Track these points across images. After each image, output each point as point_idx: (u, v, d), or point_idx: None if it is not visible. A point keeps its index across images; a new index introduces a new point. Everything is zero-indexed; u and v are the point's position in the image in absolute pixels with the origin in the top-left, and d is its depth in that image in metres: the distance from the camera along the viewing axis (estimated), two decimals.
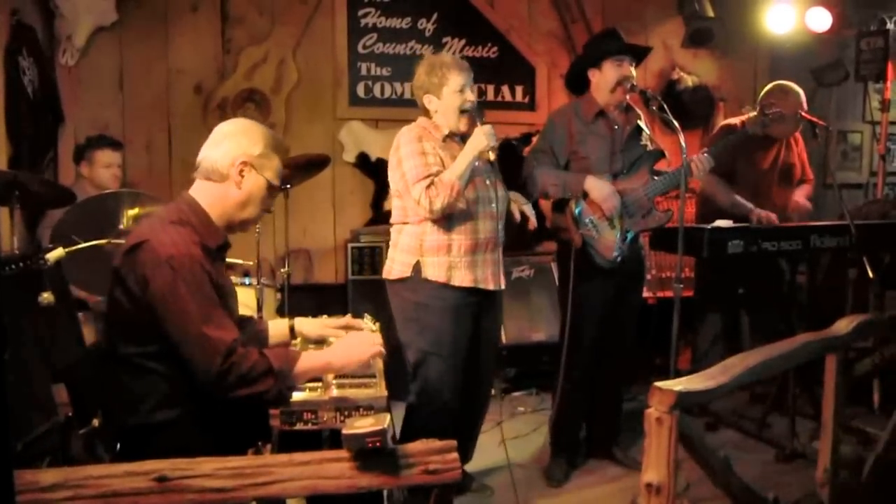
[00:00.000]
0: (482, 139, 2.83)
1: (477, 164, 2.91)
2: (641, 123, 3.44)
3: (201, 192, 2.07)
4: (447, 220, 2.91)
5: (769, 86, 4.03)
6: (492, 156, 2.87)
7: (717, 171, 4.04)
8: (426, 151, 2.89)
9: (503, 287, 3.07)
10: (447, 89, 2.93)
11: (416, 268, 2.92)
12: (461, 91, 2.94)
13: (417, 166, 2.86)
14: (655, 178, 3.31)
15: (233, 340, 1.91)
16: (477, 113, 2.95)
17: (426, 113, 3.03)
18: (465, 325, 2.98)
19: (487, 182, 2.99)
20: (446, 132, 2.98)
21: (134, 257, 1.92)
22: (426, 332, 2.92)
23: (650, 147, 3.42)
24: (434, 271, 2.91)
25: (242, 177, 2.04)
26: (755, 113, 3.85)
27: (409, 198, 2.88)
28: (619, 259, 3.27)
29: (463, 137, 3.01)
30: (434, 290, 2.91)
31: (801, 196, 4.08)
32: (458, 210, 2.89)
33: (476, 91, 4.98)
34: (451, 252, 2.92)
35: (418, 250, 2.93)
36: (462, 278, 2.93)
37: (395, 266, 2.99)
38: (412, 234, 2.95)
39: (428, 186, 2.81)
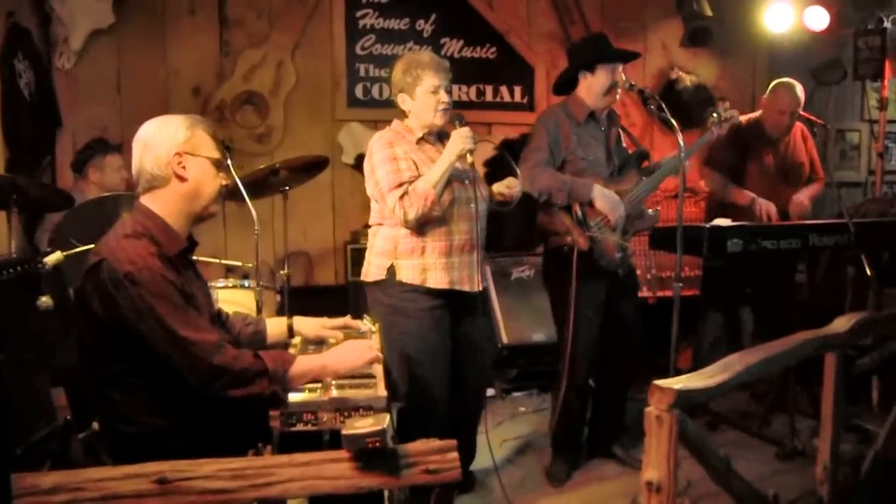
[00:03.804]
0: (459, 143, 2.79)
1: (457, 164, 2.87)
2: (621, 125, 3.51)
3: (153, 201, 2.03)
4: (422, 222, 2.88)
5: (772, 85, 4.05)
6: (469, 158, 2.81)
7: (722, 169, 4.05)
8: (398, 157, 2.86)
9: (480, 289, 3.01)
10: (420, 89, 2.88)
11: (391, 270, 2.90)
12: (435, 92, 2.88)
13: (390, 174, 2.83)
14: (644, 178, 3.33)
15: (217, 339, 1.91)
16: (456, 117, 2.89)
17: (402, 113, 2.99)
18: (443, 326, 2.94)
19: (466, 182, 2.93)
20: (420, 134, 2.95)
21: (93, 278, 1.90)
22: (404, 336, 2.88)
23: (633, 148, 3.45)
24: (409, 274, 2.89)
25: (184, 167, 2.01)
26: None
27: (385, 202, 2.86)
28: (620, 259, 3.30)
29: (440, 136, 2.98)
30: (409, 292, 2.89)
31: (803, 195, 4.08)
32: (433, 217, 2.86)
33: (472, 93, 5.03)
34: (426, 254, 2.89)
35: (392, 253, 2.91)
36: (437, 280, 2.90)
37: (371, 269, 2.97)
38: (387, 238, 2.93)
39: (402, 196, 2.78)
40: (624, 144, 3.51)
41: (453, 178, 2.89)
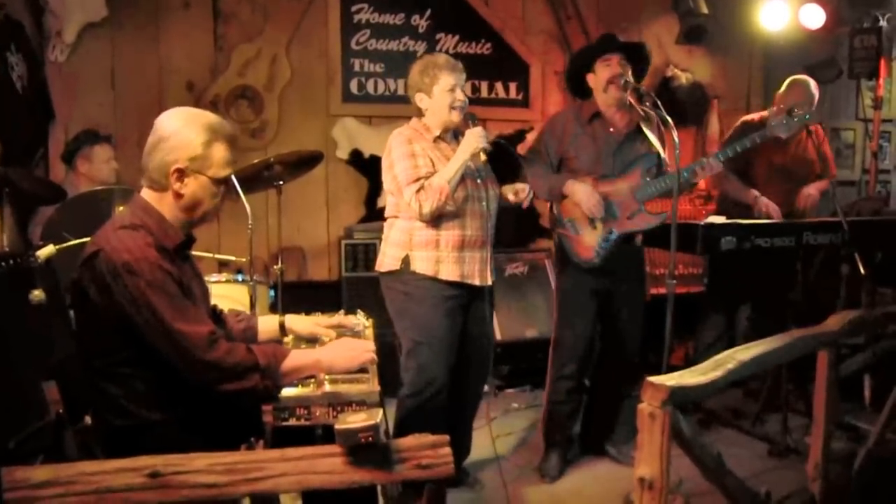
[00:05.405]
0: (472, 142, 2.91)
1: (469, 163, 2.96)
2: (644, 126, 3.35)
3: (151, 197, 2.00)
4: (436, 216, 2.97)
5: (787, 82, 4.03)
6: (482, 157, 2.93)
7: (732, 168, 4.03)
8: (416, 153, 2.97)
9: (490, 283, 3.10)
10: (438, 88, 3.00)
11: (406, 261, 3.00)
12: (451, 90, 3.00)
13: (407, 169, 2.94)
14: (648, 180, 3.27)
15: (210, 332, 1.90)
16: (470, 116, 3.02)
17: (419, 112, 3.09)
18: (454, 317, 3.03)
19: (478, 181, 3.05)
20: (437, 133, 3.06)
21: (90, 268, 1.88)
22: (416, 323, 3.00)
23: (649, 150, 3.34)
24: (422, 265, 2.98)
25: (182, 182, 1.96)
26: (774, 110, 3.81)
27: (402, 196, 2.96)
28: (596, 260, 3.28)
29: (455, 134, 3.09)
30: (422, 281, 2.98)
31: (812, 187, 4.07)
32: (447, 212, 2.95)
33: (468, 89, 5.03)
34: (439, 247, 2.99)
35: (408, 244, 3.00)
36: (449, 272, 2.99)
37: (386, 259, 3.07)
38: (402, 230, 3.03)
39: (418, 191, 2.89)
40: (642, 144, 3.35)
41: (467, 176, 3.00)
